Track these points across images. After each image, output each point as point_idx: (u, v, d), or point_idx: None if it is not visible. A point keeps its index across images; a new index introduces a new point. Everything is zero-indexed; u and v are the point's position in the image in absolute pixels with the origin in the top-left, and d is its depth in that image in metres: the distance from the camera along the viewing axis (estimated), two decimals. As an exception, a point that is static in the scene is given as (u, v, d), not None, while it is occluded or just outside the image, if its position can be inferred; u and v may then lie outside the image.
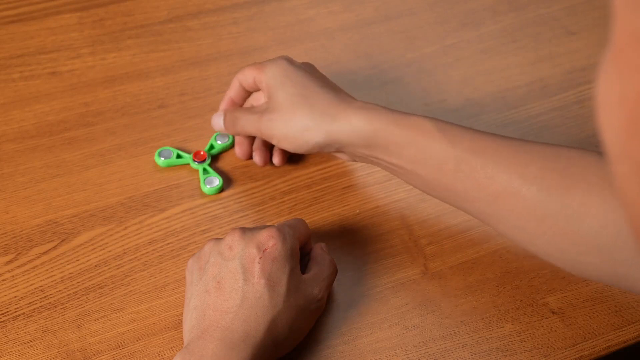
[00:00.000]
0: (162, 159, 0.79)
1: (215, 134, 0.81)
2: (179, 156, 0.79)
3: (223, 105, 0.79)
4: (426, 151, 0.67)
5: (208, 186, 0.77)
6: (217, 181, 0.77)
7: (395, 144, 0.68)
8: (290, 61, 0.75)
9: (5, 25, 0.91)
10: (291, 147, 0.73)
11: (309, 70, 0.75)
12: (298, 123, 0.71)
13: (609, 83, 0.37)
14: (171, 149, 0.80)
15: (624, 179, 0.38)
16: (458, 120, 0.84)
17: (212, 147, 0.81)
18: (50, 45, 0.90)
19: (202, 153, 0.79)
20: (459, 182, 0.66)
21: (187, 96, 0.85)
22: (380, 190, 0.78)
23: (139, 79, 0.87)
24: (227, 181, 0.78)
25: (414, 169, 0.68)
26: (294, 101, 0.71)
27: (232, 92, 0.78)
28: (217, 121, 0.78)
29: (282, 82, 0.73)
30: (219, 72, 0.88)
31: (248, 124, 0.75)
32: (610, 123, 0.37)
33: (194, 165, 0.79)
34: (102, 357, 0.66)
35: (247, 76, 0.76)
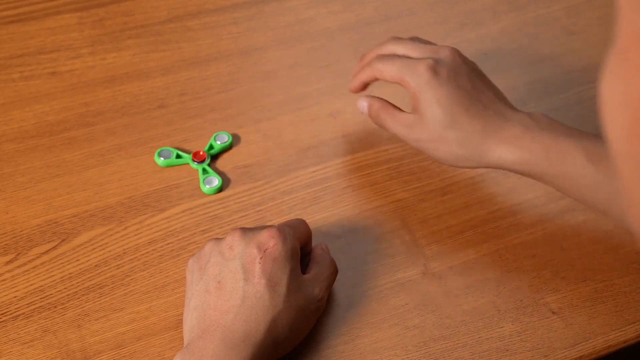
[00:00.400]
0: (162, 159, 0.79)
1: (214, 134, 0.81)
2: (178, 156, 0.79)
3: (355, 86, 0.78)
4: (579, 183, 0.67)
5: (207, 186, 0.77)
6: (216, 181, 0.77)
7: (546, 174, 0.69)
8: (434, 72, 0.72)
9: (5, 25, 0.91)
10: (440, 162, 0.74)
11: (455, 82, 0.72)
12: (448, 151, 0.71)
13: (613, 83, 0.37)
14: (171, 149, 0.80)
15: (628, 178, 0.38)
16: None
17: (211, 147, 0.80)
18: (50, 45, 0.90)
19: (201, 153, 0.79)
20: (614, 205, 0.66)
21: (187, 96, 0.86)
22: (380, 190, 0.78)
23: (139, 79, 0.87)
24: (226, 181, 0.78)
25: (566, 192, 0.69)
26: (443, 132, 0.71)
27: (365, 78, 0.77)
28: (363, 105, 0.77)
29: (431, 106, 0.71)
30: (219, 72, 0.88)
31: (394, 129, 0.75)
32: (614, 123, 0.37)
33: (194, 165, 0.79)
34: (102, 357, 0.66)
35: (387, 76, 0.74)
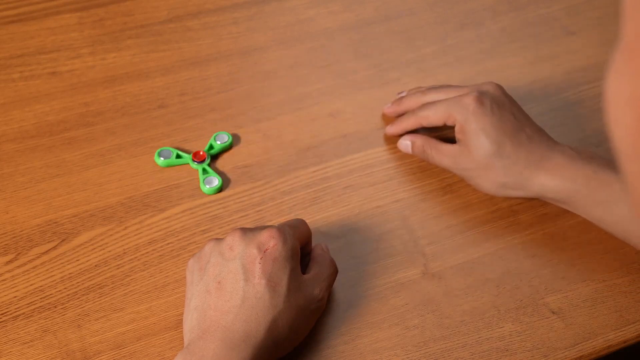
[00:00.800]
0: (162, 159, 0.79)
1: (214, 134, 0.81)
2: (178, 156, 0.79)
3: (396, 132, 0.81)
4: (617, 212, 0.70)
5: (207, 186, 0.77)
6: (216, 181, 0.77)
7: (586, 204, 0.72)
8: (480, 103, 0.74)
9: (5, 25, 0.91)
10: (483, 191, 0.77)
11: (499, 113, 0.75)
12: (495, 180, 0.74)
13: (618, 82, 0.37)
14: (171, 149, 0.80)
15: (634, 178, 0.38)
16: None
17: (211, 147, 0.80)
18: (50, 45, 0.90)
19: (201, 153, 0.79)
20: None
21: (187, 96, 0.85)
22: (380, 190, 0.78)
23: (139, 79, 0.87)
24: (226, 181, 0.78)
25: (602, 222, 0.72)
26: (489, 160, 0.74)
27: (410, 126, 0.80)
28: (406, 144, 0.80)
29: (478, 138, 0.74)
30: (219, 72, 0.88)
31: (442, 163, 0.77)
32: (620, 122, 0.37)
33: (194, 165, 0.79)
34: (102, 357, 0.66)
35: (433, 120, 0.77)
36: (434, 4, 0.97)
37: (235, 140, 0.82)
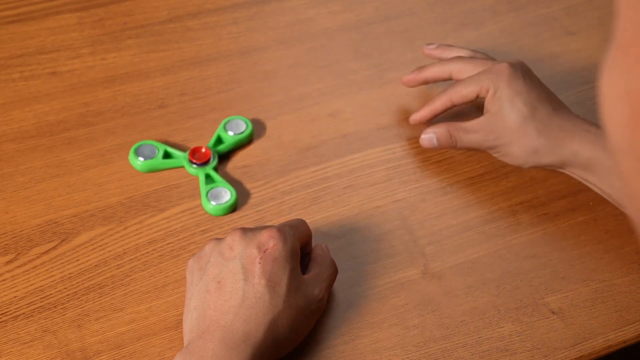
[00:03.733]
0: (141, 159, 0.59)
1: (224, 120, 0.63)
2: (167, 155, 0.63)
3: (425, 117, 0.80)
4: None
5: (213, 202, 0.58)
6: (227, 195, 0.58)
7: (610, 174, 0.72)
8: (514, 68, 0.75)
9: (5, 25, 0.91)
10: (515, 163, 0.76)
11: (530, 81, 0.76)
12: (527, 145, 0.74)
13: (612, 78, 0.37)
14: (155, 143, 0.63)
15: (628, 172, 0.38)
16: (457, 120, 0.84)
17: (219, 140, 0.62)
18: (50, 45, 0.90)
19: (203, 150, 0.63)
20: None
21: (187, 96, 0.85)
22: (380, 190, 0.78)
23: (139, 79, 0.87)
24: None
25: (619, 192, 0.72)
26: (523, 124, 0.74)
27: (439, 106, 0.79)
28: (430, 137, 0.78)
29: (512, 102, 0.74)
30: (219, 72, 0.88)
31: (470, 142, 0.76)
32: (614, 118, 0.38)
33: (191, 169, 0.64)
34: (102, 357, 0.66)
35: (466, 95, 0.76)
36: (434, 4, 0.97)
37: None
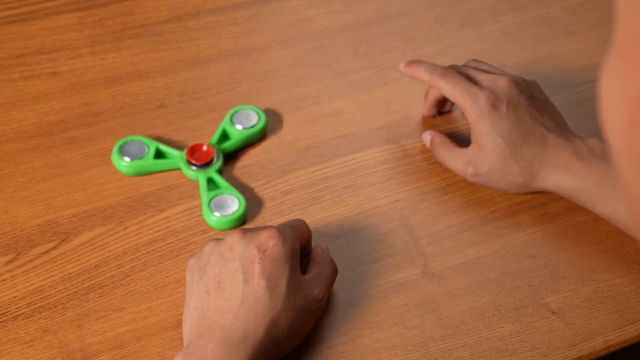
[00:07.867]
0: (127, 160, 0.48)
1: (230, 111, 0.52)
2: (160, 154, 0.53)
3: (407, 70, 0.80)
4: (618, 211, 0.72)
5: (217, 213, 0.47)
6: (235, 204, 0.47)
7: (596, 200, 0.73)
8: (494, 106, 0.74)
9: (5, 25, 0.91)
10: (499, 190, 0.77)
11: (513, 110, 0.75)
12: (510, 181, 0.75)
13: (611, 81, 0.37)
14: (144, 139, 0.53)
15: (627, 175, 0.38)
16: (457, 120, 0.84)
17: (225, 136, 0.52)
18: (50, 45, 0.90)
19: (204, 149, 0.54)
20: None
21: (187, 96, 0.85)
22: (380, 190, 0.78)
23: (139, 79, 0.87)
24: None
25: (612, 219, 0.73)
26: (504, 162, 0.74)
27: (420, 75, 0.79)
28: (427, 138, 0.80)
29: (490, 136, 0.74)
30: (219, 72, 0.88)
31: (451, 165, 0.77)
32: (613, 120, 0.38)
33: (190, 172, 0.57)
34: (102, 357, 0.66)
35: (448, 96, 0.77)
36: (434, 4, 0.97)
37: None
